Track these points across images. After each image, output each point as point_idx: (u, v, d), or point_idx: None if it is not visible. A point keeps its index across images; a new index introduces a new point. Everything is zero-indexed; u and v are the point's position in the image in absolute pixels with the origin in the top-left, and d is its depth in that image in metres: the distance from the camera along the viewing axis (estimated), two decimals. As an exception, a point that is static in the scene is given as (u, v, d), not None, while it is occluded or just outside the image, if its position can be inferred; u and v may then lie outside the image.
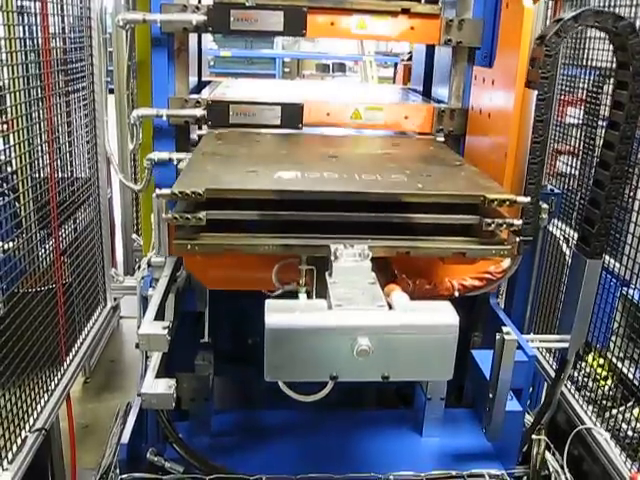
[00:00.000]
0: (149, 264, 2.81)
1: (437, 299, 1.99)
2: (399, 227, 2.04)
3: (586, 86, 3.23)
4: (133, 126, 2.81)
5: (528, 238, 2.34)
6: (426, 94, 3.47)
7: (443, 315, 1.66)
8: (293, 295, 2.10)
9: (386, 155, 2.60)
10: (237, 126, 2.77)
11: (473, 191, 2.07)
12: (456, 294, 2.44)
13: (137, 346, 2.16)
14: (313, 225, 1.99)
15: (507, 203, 2.02)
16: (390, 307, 1.69)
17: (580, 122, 3.26)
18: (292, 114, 2.77)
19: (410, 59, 4.31)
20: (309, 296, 2.02)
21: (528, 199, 2.15)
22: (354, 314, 1.63)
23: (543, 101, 2.40)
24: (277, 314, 1.62)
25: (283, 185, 2.02)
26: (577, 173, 3.27)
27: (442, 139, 3.02)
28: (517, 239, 2.30)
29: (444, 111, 2.92)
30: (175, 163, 2.71)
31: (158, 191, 2.01)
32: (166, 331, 2.11)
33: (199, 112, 2.75)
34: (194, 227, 1.96)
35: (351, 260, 1.84)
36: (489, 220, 2.01)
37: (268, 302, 1.65)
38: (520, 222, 2.08)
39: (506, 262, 2.48)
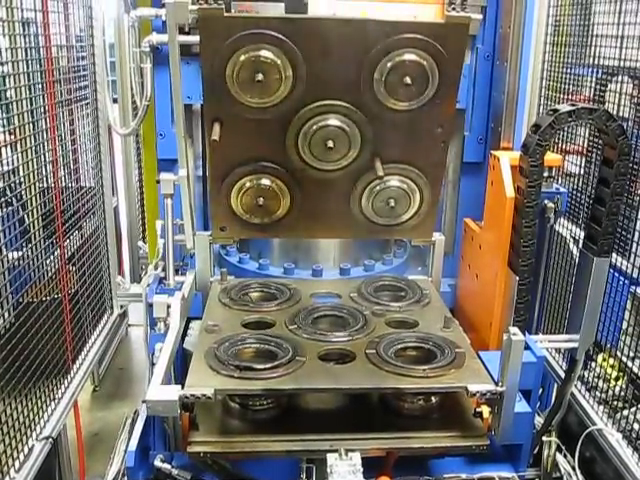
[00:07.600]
0: (155, 267, 2.81)
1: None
2: (390, 420, 2.47)
3: (593, 84, 3.21)
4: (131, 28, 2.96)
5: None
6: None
7: None
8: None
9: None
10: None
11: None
12: None
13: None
14: (312, 424, 2.42)
15: None
16: None
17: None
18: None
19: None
20: None
21: None
22: None
23: (524, 286, 2.60)
24: None
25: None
26: (583, 172, 3.25)
27: (441, 236, 3.23)
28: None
29: None
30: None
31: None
32: None
33: None
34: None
35: (345, 472, 2.13)
36: (473, 390, 2.28)
37: None
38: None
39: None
